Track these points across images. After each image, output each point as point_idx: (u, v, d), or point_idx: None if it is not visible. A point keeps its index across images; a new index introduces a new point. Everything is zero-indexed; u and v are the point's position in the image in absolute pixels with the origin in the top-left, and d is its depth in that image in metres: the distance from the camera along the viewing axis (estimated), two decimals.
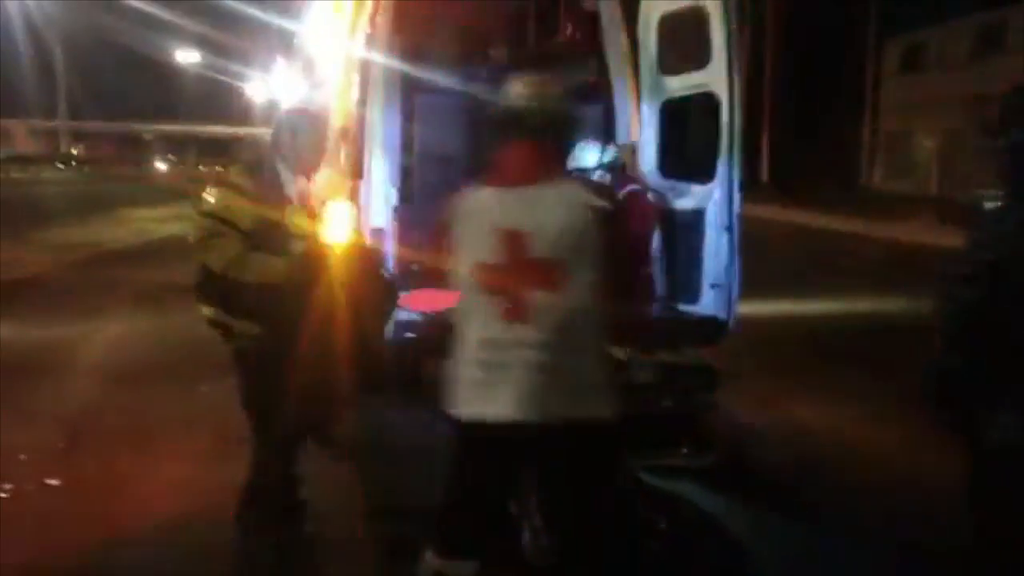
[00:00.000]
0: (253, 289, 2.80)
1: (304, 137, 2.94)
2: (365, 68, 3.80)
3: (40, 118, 57.96)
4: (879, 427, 4.77)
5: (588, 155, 4.06)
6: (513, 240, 2.08)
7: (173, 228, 16.22)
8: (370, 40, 3.77)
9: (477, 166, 6.30)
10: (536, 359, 2.06)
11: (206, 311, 2.91)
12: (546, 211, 2.10)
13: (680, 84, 4.29)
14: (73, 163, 50.20)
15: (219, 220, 2.78)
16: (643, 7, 4.44)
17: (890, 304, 8.47)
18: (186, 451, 4.28)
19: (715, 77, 4.00)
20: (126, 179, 43.60)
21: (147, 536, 3.33)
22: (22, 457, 4.07)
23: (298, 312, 2.83)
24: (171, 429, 4.59)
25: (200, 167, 62.68)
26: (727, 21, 3.87)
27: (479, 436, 2.15)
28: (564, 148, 2.43)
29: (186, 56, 51.35)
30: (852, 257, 13.96)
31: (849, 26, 27.36)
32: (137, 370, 5.78)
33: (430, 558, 2.24)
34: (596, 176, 4.16)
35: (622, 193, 4.03)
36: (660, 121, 4.52)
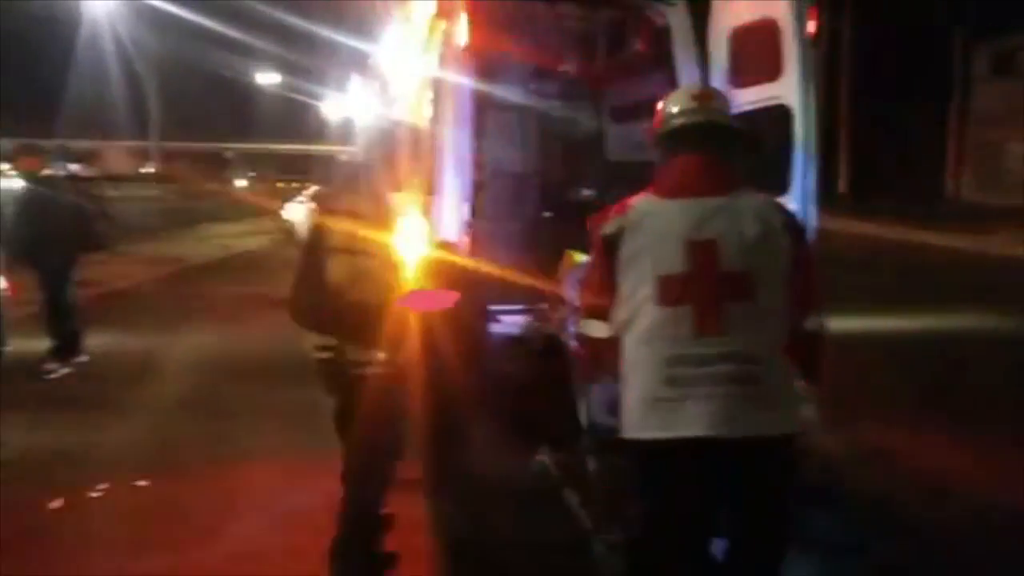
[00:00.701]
0: (375, 313, 2.72)
1: (395, 154, 3.05)
2: (440, 86, 3.90)
3: (131, 139, 61.26)
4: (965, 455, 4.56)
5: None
6: (703, 251, 2.03)
7: (252, 243, 16.95)
8: (445, 59, 3.86)
9: (547, 180, 6.42)
10: (733, 372, 1.99)
11: (318, 339, 2.81)
12: (738, 222, 2.07)
13: (752, 96, 4.23)
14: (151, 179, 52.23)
15: (338, 246, 2.77)
16: (713, 20, 4.41)
17: (988, 321, 8.08)
18: (274, 458, 4.44)
19: (789, 89, 3.94)
20: (208, 196, 45.59)
21: (234, 542, 3.46)
22: (115, 459, 4.30)
23: (420, 337, 2.79)
24: (258, 435, 4.78)
25: (278, 184, 64.93)
26: (801, 32, 3.82)
27: (666, 459, 2.04)
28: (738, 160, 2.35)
29: (266, 77, 53.50)
30: (942, 272, 13.38)
31: (935, 29, 26.32)
32: (224, 378, 6.06)
33: None
34: None
35: None
36: None
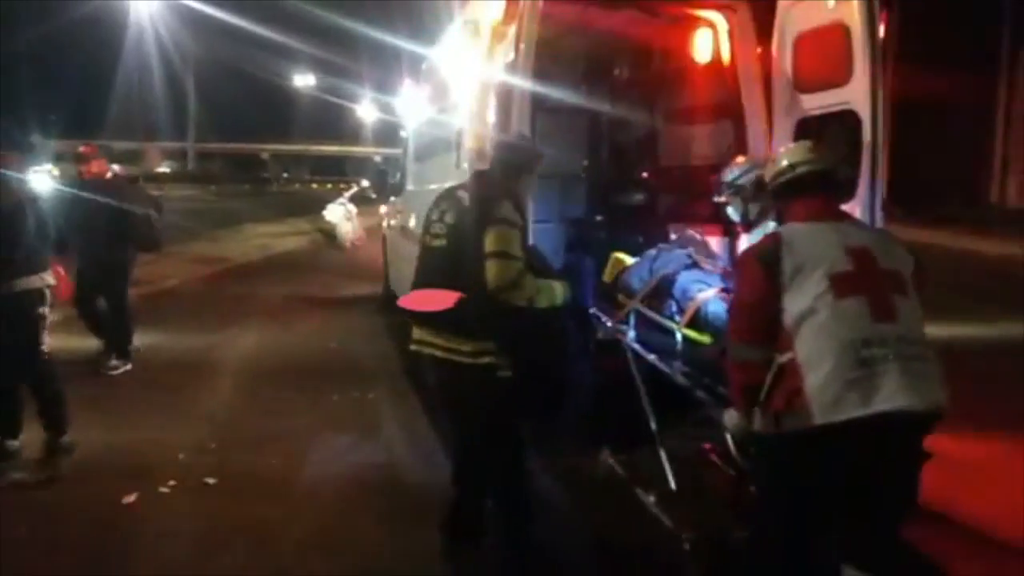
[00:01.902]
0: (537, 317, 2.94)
1: (533, 164, 3.18)
2: (506, 93, 3.92)
3: (170, 140, 62.46)
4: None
5: (730, 171, 4.02)
6: (861, 253, 2.42)
7: (291, 244, 17.13)
8: (512, 65, 3.88)
9: (596, 181, 6.39)
10: (910, 352, 2.31)
11: (482, 344, 2.91)
12: (874, 235, 2.61)
13: (819, 102, 4.19)
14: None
15: (505, 254, 2.87)
16: (779, 24, 4.37)
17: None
18: (328, 455, 4.52)
19: (857, 94, 3.89)
20: (245, 196, 46.29)
21: (302, 538, 3.53)
22: (181, 456, 4.39)
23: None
24: (308, 433, 4.85)
25: (313, 184, 65.65)
26: (872, 36, 3.77)
27: (853, 437, 2.25)
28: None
29: (302, 79, 54.24)
30: (992, 279, 13.11)
31: (980, 33, 25.75)
32: (268, 378, 6.12)
33: None
34: (728, 194, 4.12)
35: (772, 224, 3.94)
36: (794, 139, 4.43)
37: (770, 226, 3.85)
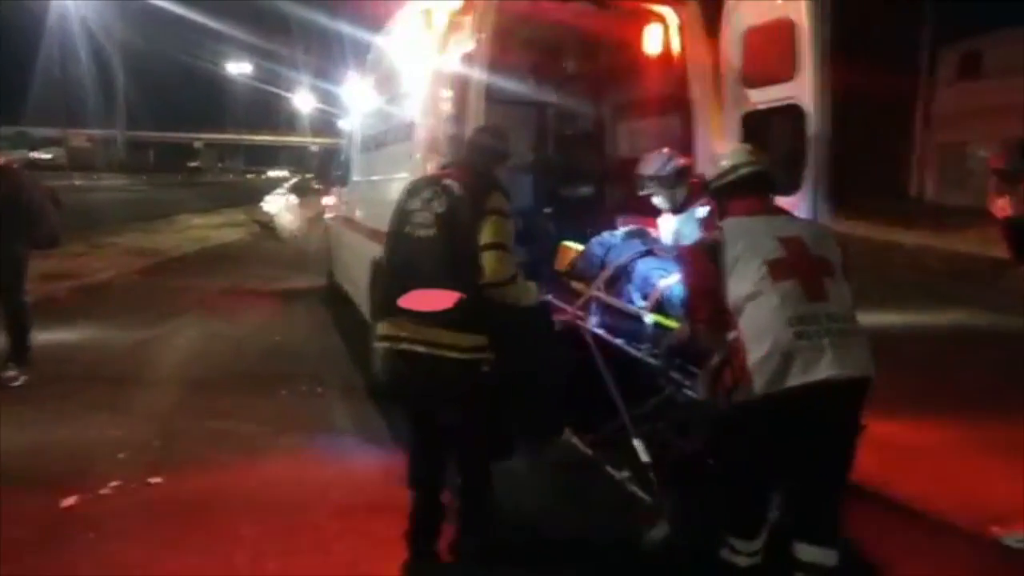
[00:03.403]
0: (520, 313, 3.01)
1: (507, 157, 3.20)
2: (462, 84, 3.88)
3: (99, 127, 59.87)
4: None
5: (650, 165, 4.28)
6: (794, 243, 2.68)
7: (229, 236, 16.64)
8: (469, 57, 3.84)
9: (545, 173, 6.40)
10: (842, 327, 2.56)
11: (476, 340, 2.90)
12: (805, 227, 2.89)
13: (765, 96, 4.29)
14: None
15: (503, 246, 2.89)
16: (726, 19, 4.45)
17: (957, 315, 8.29)
18: (274, 450, 4.41)
19: (803, 89, 4.00)
20: (177, 186, 44.78)
21: (254, 538, 3.42)
22: (121, 456, 4.22)
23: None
24: (257, 429, 4.72)
25: (247, 175, 63.97)
26: (819, 33, 3.87)
27: (794, 405, 2.50)
28: None
29: (237, 66, 52.65)
30: (913, 269, 13.72)
31: (902, 33, 26.81)
32: (213, 373, 5.96)
33: (740, 544, 2.70)
34: (653, 186, 4.24)
35: (701, 210, 4.08)
36: (741, 133, 4.52)
37: (699, 211, 4.05)
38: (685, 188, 4.24)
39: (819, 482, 2.69)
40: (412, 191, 3.07)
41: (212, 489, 3.87)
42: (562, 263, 4.82)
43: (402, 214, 3.04)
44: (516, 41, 4.96)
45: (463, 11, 3.79)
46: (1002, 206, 3.34)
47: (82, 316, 7.76)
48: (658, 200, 4.33)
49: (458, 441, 3.08)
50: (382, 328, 3.06)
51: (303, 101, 53.32)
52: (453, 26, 3.86)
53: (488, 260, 2.85)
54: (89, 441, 4.42)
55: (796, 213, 4.03)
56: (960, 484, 4.10)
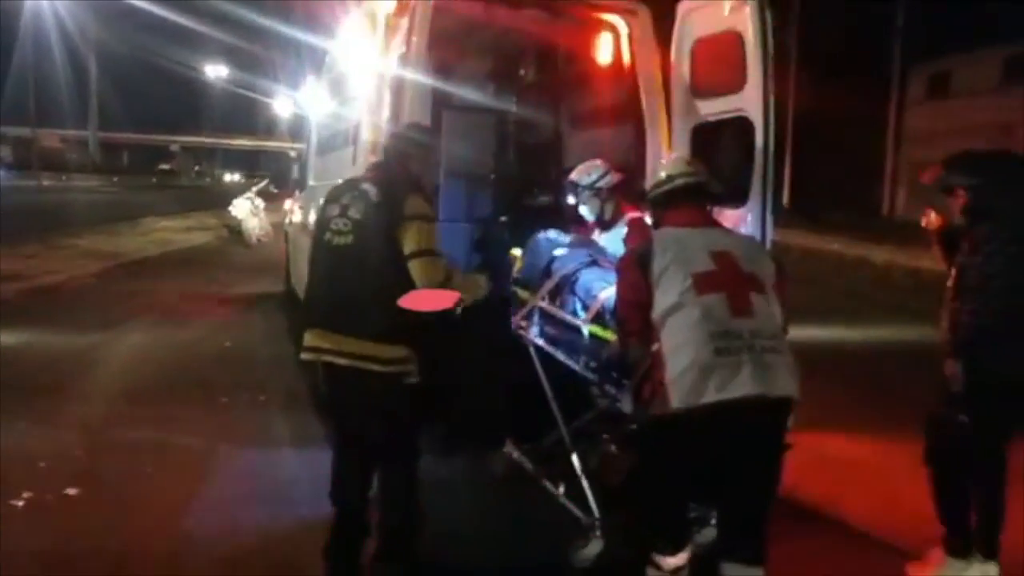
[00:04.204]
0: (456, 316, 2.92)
1: (430, 156, 3.14)
2: (399, 86, 3.79)
3: (72, 128, 59.04)
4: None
5: (587, 174, 4.12)
6: (723, 257, 2.61)
7: (196, 239, 16.39)
8: (404, 58, 3.76)
9: (503, 182, 6.33)
10: (766, 345, 2.47)
11: (398, 351, 2.81)
12: (739, 243, 2.80)
13: (713, 107, 4.25)
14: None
15: (430, 252, 2.81)
16: (677, 30, 4.40)
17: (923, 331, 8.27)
18: (206, 462, 4.25)
19: (750, 101, 3.95)
20: (150, 188, 44.19)
21: (163, 548, 3.28)
22: (41, 465, 4.05)
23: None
24: (191, 439, 4.56)
25: (224, 178, 63.33)
26: (764, 45, 3.83)
27: (710, 422, 2.41)
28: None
29: (214, 70, 52.18)
30: (882, 285, 13.81)
31: (873, 53, 27.21)
32: (153, 381, 5.78)
33: (663, 561, 2.62)
34: (585, 196, 4.14)
35: (625, 219, 4.03)
36: (691, 144, 4.48)
37: (620, 230, 4.01)
38: (614, 203, 4.14)
39: (741, 500, 2.60)
40: (331, 197, 2.96)
41: (129, 502, 3.71)
42: (513, 272, 4.74)
43: (322, 221, 2.94)
44: (461, 45, 4.88)
45: (398, 12, 3.71)
46: (931, 220, 3.39)
47: (26, 319, 7.53)
48: (584, 210, 4.18)
49: (382, 456, 2.97)
50: (305, 339, 2.95)
51: (282, 106, 52.94)
52: (391, 28, 3.77)
53: (416, 269, 2.78)
54: (9, 449, 4.23)
55: (744, 225, 4.05)
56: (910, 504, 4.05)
